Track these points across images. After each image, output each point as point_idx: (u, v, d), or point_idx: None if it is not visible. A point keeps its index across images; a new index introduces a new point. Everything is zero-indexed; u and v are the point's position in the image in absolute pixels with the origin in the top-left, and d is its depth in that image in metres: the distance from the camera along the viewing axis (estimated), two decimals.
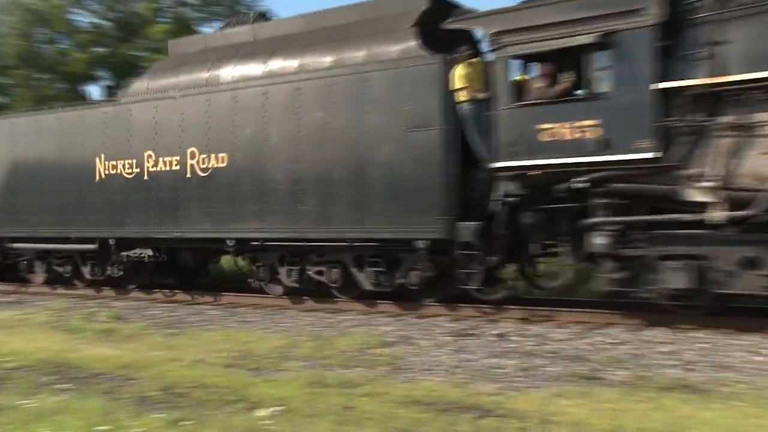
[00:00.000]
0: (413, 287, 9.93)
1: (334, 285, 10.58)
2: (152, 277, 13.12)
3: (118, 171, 12.31)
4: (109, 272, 12.95)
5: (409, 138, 9.49)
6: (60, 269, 13.61)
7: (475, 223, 9.20)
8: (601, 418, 4.82)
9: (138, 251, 12.33)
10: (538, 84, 8.69)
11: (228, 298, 11.97)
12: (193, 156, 11.44)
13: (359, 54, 10.07)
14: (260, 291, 11.60)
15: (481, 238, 9.20)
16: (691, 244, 7.94)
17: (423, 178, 9.41)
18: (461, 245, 9.29)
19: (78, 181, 12.84)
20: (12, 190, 13.80)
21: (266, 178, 10.69)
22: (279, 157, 10.58)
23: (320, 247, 10.57)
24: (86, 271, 13.27)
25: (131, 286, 13.08)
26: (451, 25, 9.48)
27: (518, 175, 8.83)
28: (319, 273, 10.72)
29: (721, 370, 6.38)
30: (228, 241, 11.14)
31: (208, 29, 20.83)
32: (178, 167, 11.61)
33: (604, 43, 8.11)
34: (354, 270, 10.41)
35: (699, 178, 7.83)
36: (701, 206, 7.85)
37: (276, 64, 10.78)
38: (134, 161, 12.11)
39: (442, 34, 9.79)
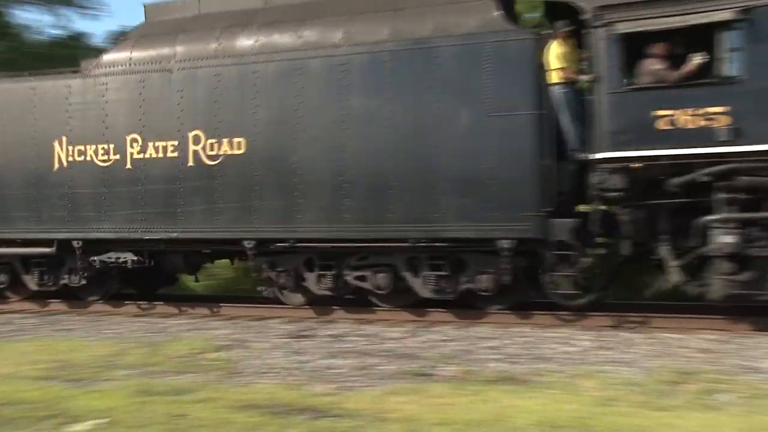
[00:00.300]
0: (484, 293, 8.75)
1: (381, 292, 9.15)
2: (121, 286, 10.96)
3: (88, 158, 10.09)
4: (65, 281, 10.63)
5: (492, 123, 8.30)
6: None
7: (573, 220, 8.21)
8: (432, 413, 5.04)
9: (113, 255, 10.16)
10: (657, 65, 7.83)
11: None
12: (197, 141, 9.53)
13: (424, 26, 8.73)
14: (273, 301, 9.92)
15: (576, 236, 8.22)
16: None
17: (510, 169, 8.27)
18: (553, 245, 8.26)
19: (26, 171, 10.42)
20: None
21: (298, 168, 9.06)
22: (316, 143, 8.99)
23: (363, 248, 9.11)
24: (30, 280, 10.83)
25: (93, 298, 10.82)
26: None
27: (623, 167, 7.93)
28: (360, 278, 9.25)
29: (540, 361, 6.80)
30: (246, 243, 9.36)
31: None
32: (175, 154, 9.63)
33: (741, 20, 7.40)
34: (407, 274, 9.06)
35: None
36: None
37: (312, 34, 9.17)
38: (112, 146, 9.95)
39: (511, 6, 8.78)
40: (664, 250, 8.11)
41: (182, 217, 9.61)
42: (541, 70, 8.23)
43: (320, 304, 9.66)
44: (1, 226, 10.52)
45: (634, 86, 7.86)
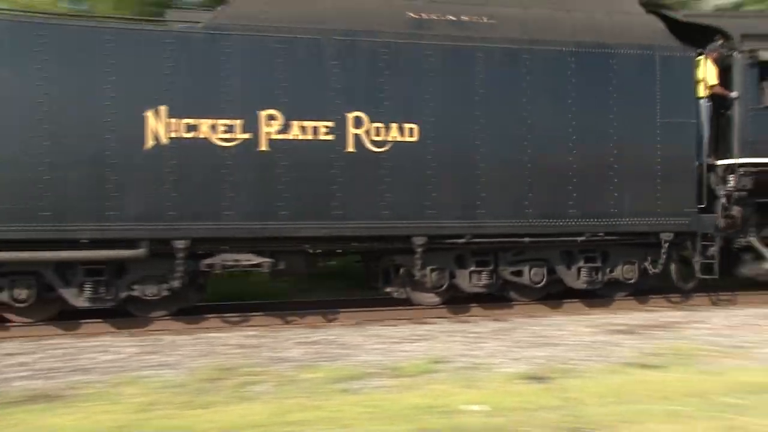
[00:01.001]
0: (628, 281, 9.55)
1: (537, 286, 9.26)
2: (201, 296, 8.80)
3: (201, 134, 7.96)
4: (135, 292, 8.17)
5: (662, 128, 9.18)
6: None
7: (715, 215, 9.55)
8: None
9: (229, 257, 8.21)
10: None
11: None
12: (358, 123, 8.34)
13: (603, 31, 9.12)
14: (399, 302, 9.22)
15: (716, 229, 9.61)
16: None
17: (675, 171, 9.26)
18: (702, 237, 9.51)
19: (102, 148, 7.75)
20: None
21: (481, 160, 8.66)
22: (500, 135, 8.70)
23: (517, 244, 9.10)
24: (73, 294, 8.03)
25: (158, 313, 8.47)
26: (691, 19, 9.56)
27: (755, 171, 9.55)
28: (516, 273, 9.23)
29: (79, 373, 6.47)
30: (416, 239, 8.54)
31: None
32: (331, 137, 8.27)
33: None
34: (560, 267, 9.35)
35: None
36: None
37: (483, 24, 8.79)
38: (239, 123, 8.04)
39: None
40: (756, 240, 9.97)
41: (338, 211, 8.31)
42: (696, 83, 9.39)
43: (456, 303, 9.30)
44: (65, 221, 7.62)
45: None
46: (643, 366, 6.37)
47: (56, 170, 7.64)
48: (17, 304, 7.93)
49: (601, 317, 9.06)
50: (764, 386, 5.62)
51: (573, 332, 8.04)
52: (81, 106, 7.70)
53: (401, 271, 9.18)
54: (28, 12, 8.30)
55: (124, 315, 8.40)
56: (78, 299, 8.05)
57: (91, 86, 7.72)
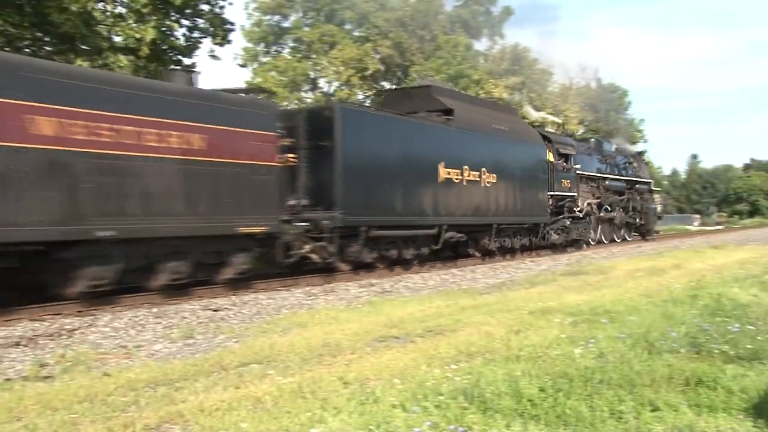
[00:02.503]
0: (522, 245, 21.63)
1: (508, 247, 20.57)
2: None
3: (452, 176, 17.14)
4: (420, 252, 16.76)
5: (541, 178, 21.59)
6: (386, 253, 15.68)
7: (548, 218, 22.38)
8: None
9: (452, 234, 17.44)
10: (563, 165, 23.05)
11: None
12: (483, 173, 18.51)
13: (522, 131, 21.00)
14: (466, 255, 19.51)
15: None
16: None
17: (541, 197, 21.75)
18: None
19: (422, 180, 16.29)
20: (374, 180, 14.79)
21: (500, 189, 19.68)
22: (505, 178, 19.86)
23: (509, 227, 20.35)
24: (407, 253, 16.25)
25: (416, 263, 17.01)
26: (540, 131, 22.28)
27: (557, 197, 22.75)
28: (505, 241, 20.37)
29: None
30: (494, 226, 19.05)
31: None
32: (477, 179, 18.25)
33: (573, 154, 23.61)
34: (512, 239, 20.85)
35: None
36: None
37: (497, 129, 19.89)
38: (458, 171, 17.44)
39: None
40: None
41: (480, 211, 18.33)
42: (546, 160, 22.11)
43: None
44: (412, 215, 15.95)
45: (560, 170, 22.86)
46: (34, 378, 6.09)
47: (405, 189, 15.94)
48: (393, 257, 15.81)
49: None
50: (151, 381, 5.80)
51: None
52: (416, 160, 16.18)
53: (470, 242, 19.41)
54: (383, 109, 16.09)
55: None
56: (407, 253, 16.27)
57: (418, 148, 16.28)
